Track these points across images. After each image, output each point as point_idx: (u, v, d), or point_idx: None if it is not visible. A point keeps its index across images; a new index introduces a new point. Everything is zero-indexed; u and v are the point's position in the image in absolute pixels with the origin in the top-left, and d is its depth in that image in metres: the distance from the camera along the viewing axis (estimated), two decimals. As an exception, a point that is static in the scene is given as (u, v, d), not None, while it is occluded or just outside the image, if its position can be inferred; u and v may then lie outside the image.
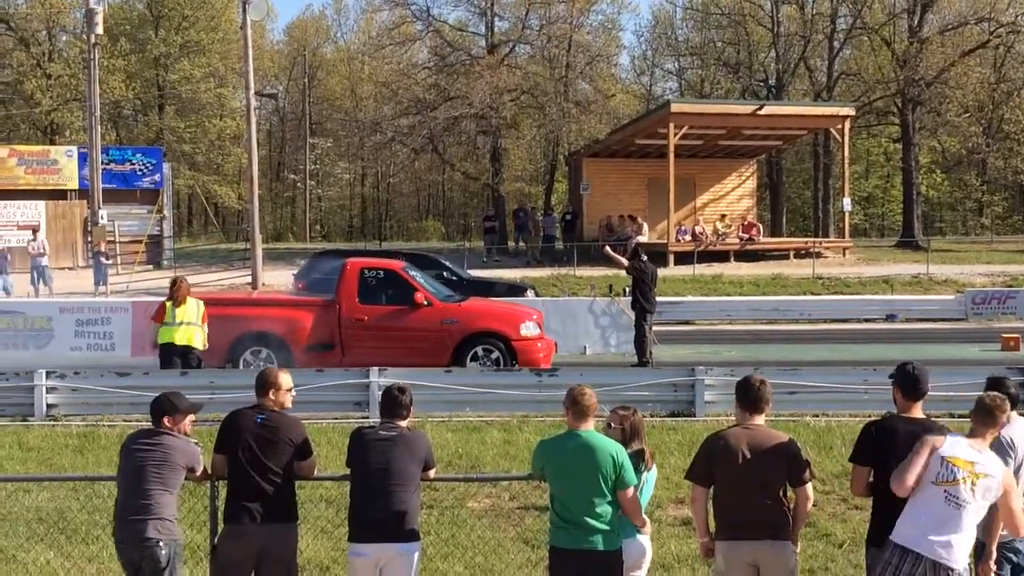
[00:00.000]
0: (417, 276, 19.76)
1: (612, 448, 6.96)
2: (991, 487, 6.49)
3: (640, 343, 20.73)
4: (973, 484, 6.44)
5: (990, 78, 56.74)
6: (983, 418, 6.73)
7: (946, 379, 14.87)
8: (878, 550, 6.86)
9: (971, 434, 6.70)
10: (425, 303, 18.67)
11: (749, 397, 7.03)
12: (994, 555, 7.06)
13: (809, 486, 7.01)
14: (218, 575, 7.44)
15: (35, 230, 37.45)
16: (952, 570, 6.39)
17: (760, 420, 7.07)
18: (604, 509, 6.85)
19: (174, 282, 17.00)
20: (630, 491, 6.96)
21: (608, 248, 23.91)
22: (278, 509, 7.27)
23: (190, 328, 16.51)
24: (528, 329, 18.87)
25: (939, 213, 79.42)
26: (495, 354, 18.57)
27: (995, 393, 6.96)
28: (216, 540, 7.48)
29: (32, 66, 63.87)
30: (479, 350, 18.60)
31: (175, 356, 16.53)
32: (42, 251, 34.71)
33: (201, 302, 16.76)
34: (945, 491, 6.43)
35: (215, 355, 17.80)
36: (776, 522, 6.80)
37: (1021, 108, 58.12)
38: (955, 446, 6.53)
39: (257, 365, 17.63)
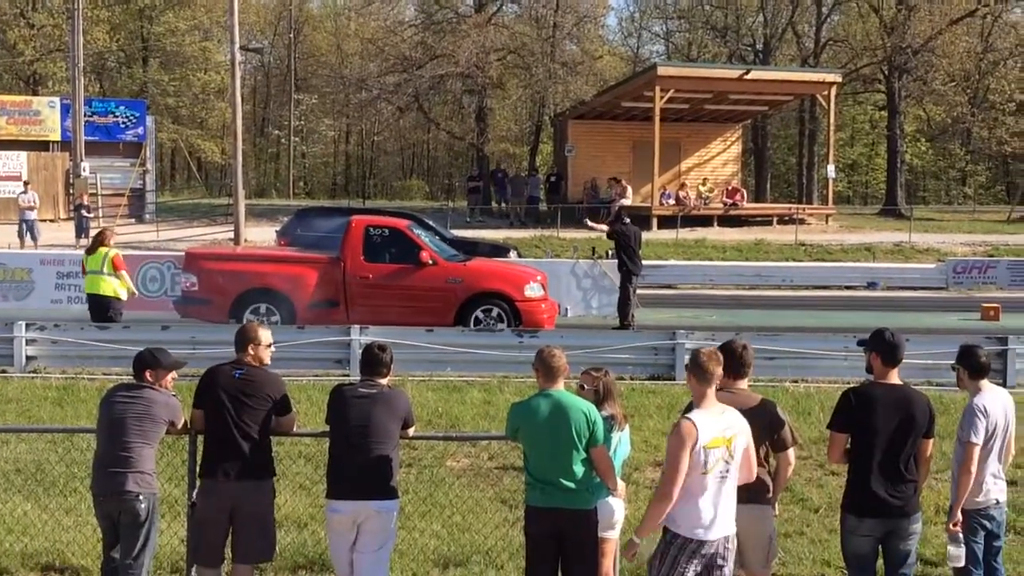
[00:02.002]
0: (422, 235, 19.76)
1: (583, 406, 6.99)
2: (742, 441, 6.48)
3: (624, 306, 20.80)
4: (731, 450, 6.42)
5: (977, 47, 56.57)
6: (702, 376, 6.49)
7: (925, 347, 14.98)
8: (853, 516, 6.92)
9: (699, 402, 6.49)
10: (430, 262, 18.63)
11: (732, 361, 7.00)
12: (959, 517, 7.14)
13: (791, 451, 7.05)
14: (195, 530, 7.47)
15: (26, 183, 37.33)
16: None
17: (743, 384, 7.10)
18: (578, 468, 6.88)
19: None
20: (603, 448, 6.98)
21: (588, 220, 23.93)
22: (253, 465, 7.27)
23: (95, 278, 16.95)
24: (532, 290, 18.87)
25: (923, 182, 79.49)
26: (498, 313, 18.53)
27: (709, 348, 6.76)
28: (194, 495, 7.50)
29: (15, 15, 63.13)
30: (482, 311, 18.56)
31: (93, 306, 17.10)
32: (32, 204, 34.71)
33: (111, 250, 17.01)
34: (717, 473, 6.39)
35: (219, 311, 17.86)
36: (756, 487, 6.82)
37: (1007, 78, 58.07)
38: (705, 429, 6.35)
39: (260, 323, 17.60)
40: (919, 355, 14.38)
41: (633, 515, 8.42)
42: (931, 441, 7.04)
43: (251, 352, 7.48)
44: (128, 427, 7.15)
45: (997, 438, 7.28)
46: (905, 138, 60.91)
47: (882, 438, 6.83)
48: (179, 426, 7.42)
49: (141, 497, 7.10)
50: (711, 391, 6.49)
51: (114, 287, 16.87)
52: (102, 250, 16.92)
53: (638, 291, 21.87)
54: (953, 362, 7.48)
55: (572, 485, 6.86)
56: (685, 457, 6.28)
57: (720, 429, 6.39)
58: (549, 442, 6.89)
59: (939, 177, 78.99)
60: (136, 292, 17.50)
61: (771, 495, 7.03)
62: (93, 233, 20.59)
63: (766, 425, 6.92)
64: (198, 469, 7.49)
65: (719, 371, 6.55)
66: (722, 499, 6.40)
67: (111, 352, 15.51)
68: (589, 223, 22.83)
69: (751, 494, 6.79)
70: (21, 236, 33.78)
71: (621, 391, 8.23)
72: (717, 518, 6.38)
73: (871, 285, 31.57)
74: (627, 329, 19.98)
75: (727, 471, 6.40)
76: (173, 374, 7.49)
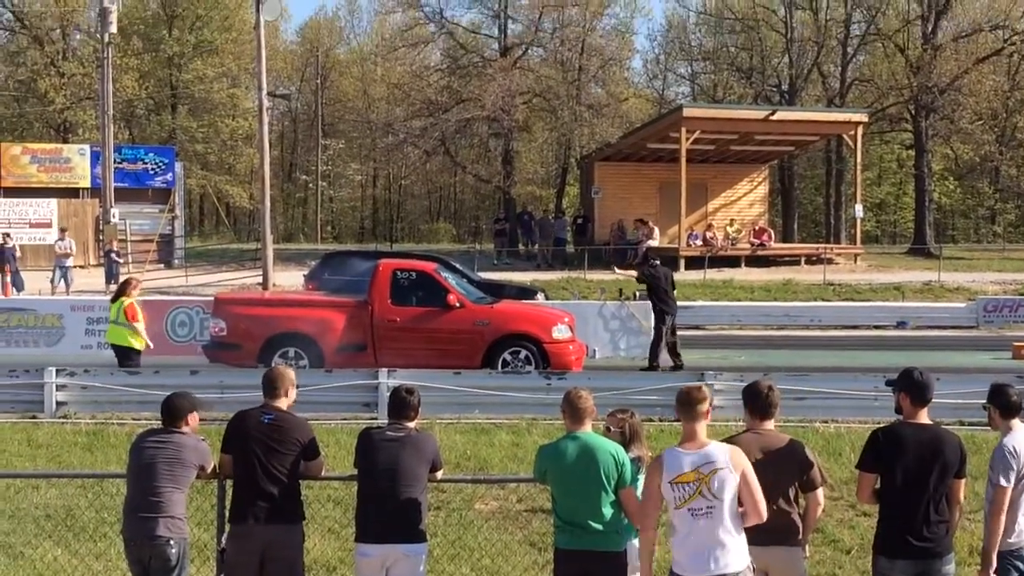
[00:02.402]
0: (449, 278, 19.82)
1: (612, 447, 6.99)
2: (726, 477, 6.37)
3: (655, 348, 20.71)
4: (708, 487, 6.35)
5: (1004, 86, 56.53)
6: (684, 411, 6.55)
7: (956, 387, 14.83)
8: (885, 558, 6.85)
9: (684, 438, 6.53)
10: (457, 305, 18.66)
11: (758, 403, 7.02)
12: (994, 563, 7.05)
13: (820, 491, 7.00)
14: (225, 575, 7.46)
15: (63, 230, 37.72)
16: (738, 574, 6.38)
17: (770, 425, 7.06)
18: (607, 510, 6.86)
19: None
20: (631, 490, 6.96)
21: (616, 268, 24.01)
22: (282, 509, 7.26)
23: (112, 326, 17.20)
24: (560, 332, 18.86)
25: (951, 220, 79.15)
26: (526, 355, 18.50)
27: (693, 384, 6.81)
28: (223, 540, 7.50)
29: (46, 64, 64.00)
30: (509, 353, 18.54)
31: (116, 354, 17.28)
32: (69, 251, 35.06)
33: (126, 299, 16.99)
34: (688, 509, 6.35)
35: (247, 355, 17.93)
36: (787, 527, 6.79)
37: (1035, 116, 57.99)
38: (673, 463, 6.38)
39: (289, 367, 17.64)
40: (950, 395, 14.24)
41: (662, 557, 8.36)
42: (963, 481, 6.95)
43: (283, 397, 7.51)
44: (158, 472, 7.16)
45: (1028, 479, 7.19)
46: (933, 177, 60.78)
47: (911, 478, 6.76)
48: (208, 470, 7.44)
49: (172, 542, 7.10)
50: (694, 426, 6.51)
51: (128, 337, 16.94)
52: (121, 299, 17.05)
53: (678, 331, 21.69)
54: (984, 401, 7.41)
55: (600, 527, 6.83)
56: (651, 489, 6.47)
57: (691, 464, 6.37)
58: (577, 484, 6.87)
59: (968, 216, 78.68)
60: (150, 345, 17.24)
61: (801, 536, 6.97)
62: (123, 279, 20.68)
63: (795, 466, 6.88)
64: (227, 514, 7.50)
65: (701, 407, 6.55)
66: (702, 537, 6.34)
67: (140, 397, 15.56)
68: (617, 270, 22.93)
69: (781, 535, 6.75)
70: (53, 282, 34.03)
71: (648, 432, 8.19)
72: (696, 556, 6.34)
73: (900, 324, 31.35)
74: (655, 370, 19.92)
75: (705, 509, 6.34)
76: (195, 415, 7.50)
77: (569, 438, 7.01)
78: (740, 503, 6.42)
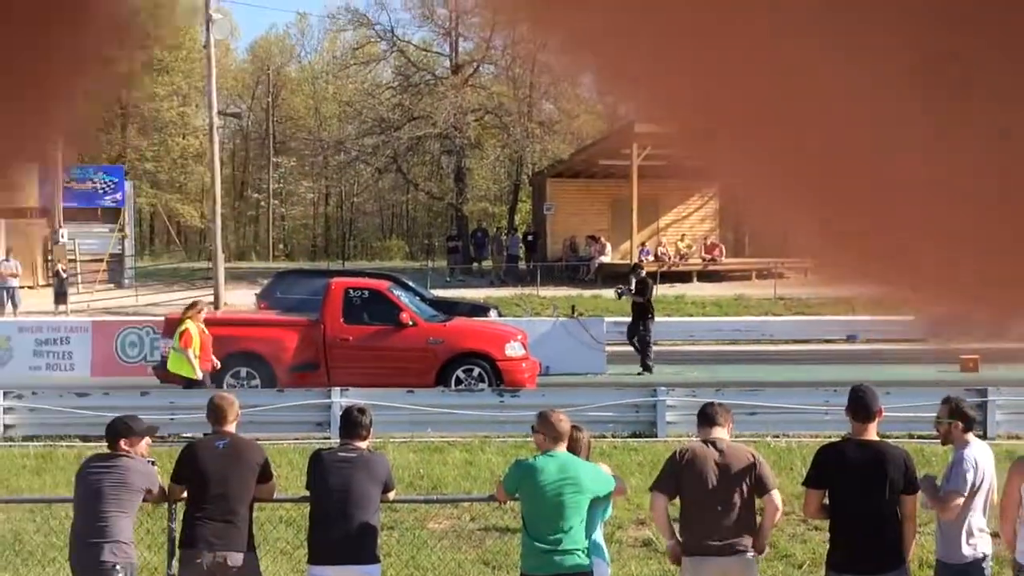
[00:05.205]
0: (402, 296, 19.78)
1: (589, 468, 7.13)
2: None
3: (648, 349, 22.85)
4: None
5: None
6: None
7: (905, 400, 14.98)
8: (835, 574, 6.90)
9: None
10: (410, 323, 18.64)
11: (706, 413, 7.22)
12: None
13: (776, 493, 7.05)
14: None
15: (8, 250, 37.28)
16: None
17: (722, 433, 7.13)
18: (580, 530, 6.91)
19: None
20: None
21: (621, 293, 25.01)
22: (235, 535, 7.22)
23: (173, 354, 16.10)
24: (513, 349, 18.88)
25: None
26: (479, 373, 18.53)
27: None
28: (175, 564, 7.44)
29: (-8, 83, 63.37)
30: (463, 371, 18.55)
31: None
32: (15, 272, 34.60)
33: (184, 324, 15.90)
34: None
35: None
36: (743, 535, 6.84)
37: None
38: None
39: (241, 386, 17.53)
40: (900, 408, 14.38)
41: (616, 573, 8.39)
42: (913, 497, 7.01)
43: (233, 421, 7.50)
44: (104, 497, 7.09)
45: (982, 492, 7.27)
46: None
47: (856, 495, 6.83)
48: (156, 492, 7.38)
49: (118, 567, 7.03)
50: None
51: (185, 365, 15.75)
52: (182, 324, 15.93)
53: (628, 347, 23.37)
54: (939, 417, 7.45)
55: (571, 546, 6.88)
56: (1011, 491, 7.15)
57: None
58: (554, 505, 6.90)
59: (916, 229, 79.69)
60: (198, 375, 15.82)
61: (758, 539, 7.03)
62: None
63: (754, 473, 7.00)
64: (178, 539, 7.44)
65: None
66: None
67: (90, 420, 15.36)
68: (622, 294, 24.55)
69: (739, 546, 6.82)
70: (2, 303, 33.59)
71: (600, 449, 8.20)
72: None
73: (850, 338, 31.63)
74: (649, 371, 22.41)
75: None
76: (148, 440, 7.45)
77: (548, 457, 7.03)
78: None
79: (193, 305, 16.75)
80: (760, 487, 6.96)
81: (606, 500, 7.23)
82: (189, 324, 15.86)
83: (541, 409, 7.54)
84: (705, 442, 7.05)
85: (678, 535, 7.07)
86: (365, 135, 52.27)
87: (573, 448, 7.40)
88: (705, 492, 6.84)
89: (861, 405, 7.02)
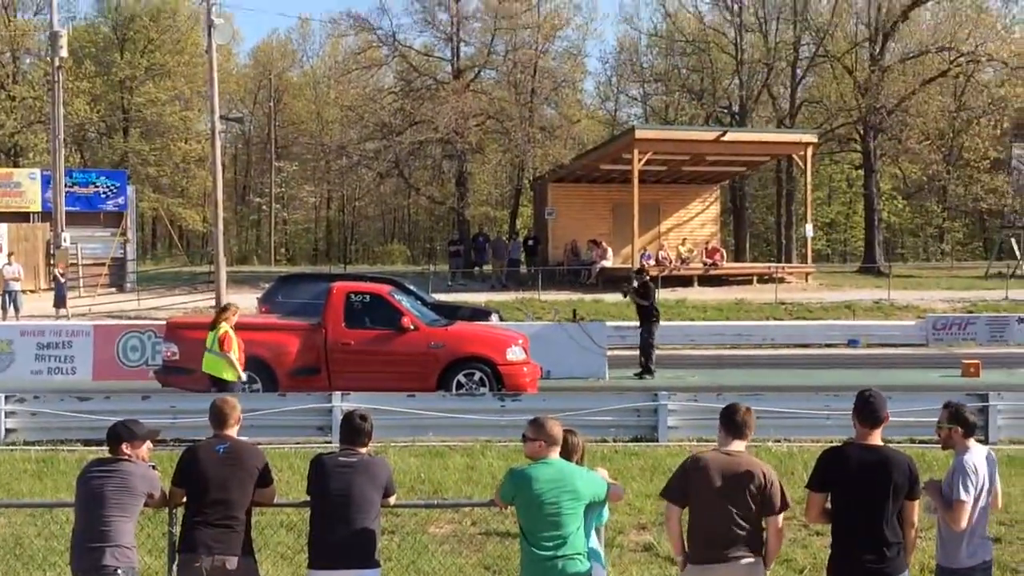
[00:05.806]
0: (403, 300, 19.77)
1: (585, 474, 7.07)
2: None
3: (651, 352, 22.99)
4: None
5: (950, 106, 57.32)
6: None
7: (907, 405, 14.99)
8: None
9: None
10: (411, 327, 18.64)
11: (733, 422, 7.08)
12: None
13: (779, 518, 6.96)
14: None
15: (10, 255, 37.33)
16: None
17: (740, 446, 7.07)
18: (578, 536, 6.88)
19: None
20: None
21: (626, 292, 25.11)
22: (234, 539, 7.20)
23: (209, 356, 16.06)
24: (514, 353, 18.89)
25: (900, 239, 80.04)
26: (480, 377, 18.51)
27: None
28: (174, 569, 7.42)
29: (-5, 88, 63.45)
30: (464, 375, 18.53)
31: (213, 384, 15.99)
32: (17, 276, 34.64)
33: (221, 326, 15.91)
34: None
35: (200, 380, 17.54)
36: (749, 547, 6.81)
37: (980, 136, 58.61)
38: None
39: (242, 390, 17.50)
40: (901, 412, 14.38)
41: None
42: (916, 503, 6.99)
43: (234, 425, 7.50)
44: (106, 501, 7.08)
45: (982, 497, 7.26)
46: (882, 196, 61.52)
47: (859, 500, 6.79)
48: (157, 497, 7.37)
49: (120, 571, 7.01)
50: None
51: (223, 368, 15.85)
52: (218, 327, 15.92)
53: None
54: (940, 422, 7.43)
55: (571, 552, 6.83)
56: None
57: None
58: (552, 513, 6.86)
59: (917, 234, 79.62)
60: (242, 378, 16.09)
61: (764, 556, 6.99)
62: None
63: (762, 491, 6.89)
64: (177, 543, 7.43)
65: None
66: None
67: (91, 423, 15.38)
68: (625, 288, 24.74)
69: (746, 555, 6.78)
70: (4, 307, 33.65)
71: (601, 453, 8.19)
72: None
73: (852, 343, 31.63)
74: (651, 374, 22.65)
75: None
76: (149, 444, 7.45)
77: (544, 464, 7.01)
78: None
79: (226, 308, 16.77)
80: (766, 507, 6.89)
81: (600, 505, 7.22)
82: (226, 327, 15.92)
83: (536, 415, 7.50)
84: (720, 452, 6.98)
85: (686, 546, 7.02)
86: (367, 139, 52.33)
87: (566, 453, 7.39)
88: (712, 504, 6.79)
89: (870, 410, 7.00)
